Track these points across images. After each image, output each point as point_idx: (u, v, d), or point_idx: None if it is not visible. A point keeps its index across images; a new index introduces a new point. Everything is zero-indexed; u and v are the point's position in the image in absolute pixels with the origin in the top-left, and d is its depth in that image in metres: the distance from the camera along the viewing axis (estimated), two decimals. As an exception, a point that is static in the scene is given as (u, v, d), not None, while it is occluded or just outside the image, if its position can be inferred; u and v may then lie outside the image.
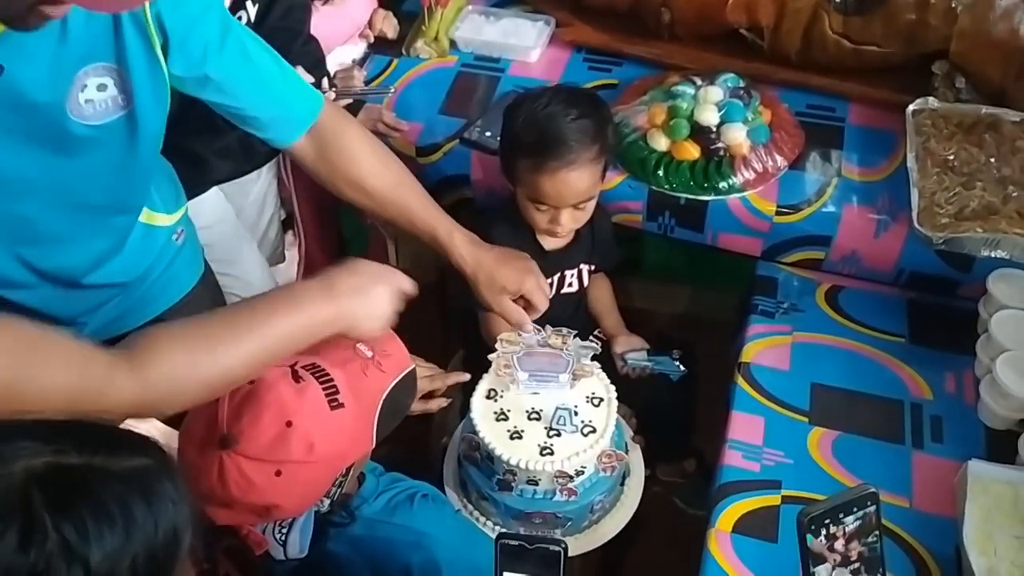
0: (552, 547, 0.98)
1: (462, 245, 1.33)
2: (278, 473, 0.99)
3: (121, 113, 1.08)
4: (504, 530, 1.38)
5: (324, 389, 1.05)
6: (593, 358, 1.33)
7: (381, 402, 1.11)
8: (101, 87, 1.04)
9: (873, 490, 0.96)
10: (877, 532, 0.98)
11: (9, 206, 1.06)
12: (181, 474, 0.76)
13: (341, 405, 1.05)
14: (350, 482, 1.15)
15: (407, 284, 1.13)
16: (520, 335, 1.31)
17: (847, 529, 0.96)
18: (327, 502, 1.12)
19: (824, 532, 0.95)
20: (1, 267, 1.12)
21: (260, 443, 0.99)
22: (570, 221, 1.46)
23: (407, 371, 1.16)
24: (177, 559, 0.72)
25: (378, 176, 1.30)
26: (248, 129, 1.25)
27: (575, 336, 1.31)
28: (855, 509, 0.96)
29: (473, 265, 1.33)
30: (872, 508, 0.96)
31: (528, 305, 1.34)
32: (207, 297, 1.46)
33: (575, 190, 1.42)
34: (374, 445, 1.13)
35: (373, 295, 1.08)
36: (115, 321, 1.32)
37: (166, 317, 1.38)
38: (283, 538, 1.09)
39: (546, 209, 1.45)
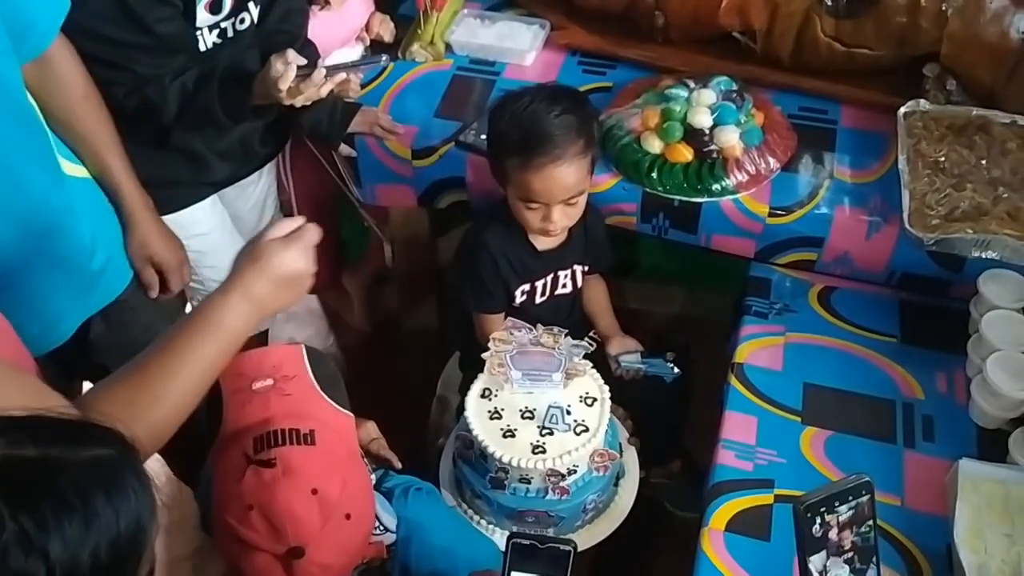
0: (562, 547, 0.99)
1: (136, 191, 1.41)
2: (348, 517, 1.01)
3: None
4: (496, 528, 1.39)
5: (292, 445, 1.03)
6: (585, 357, 1.34)
7: (319, 389, 1.11)
8: None
9: (867, 479, 0.98)
10: (871, 522, 0.99)
11: None
12: (142, 464, 0.75)
13: (311, 433, 1.04)
14: None
15: (313, 235, 1.07)
16: (512, 334, 1.32)
17: (841, 518, 0.97)
18: (374, 476, 1.15)
19: (819, 520, 0.96)
20: None
21: (314, 526, 0.99)
22: (562, 218, 1.47)
23: (303, 352, 1.15)
24: (142, 550, 0.71)
25: (85, 110, 1.34)
26: None
27: (566, 335, 1.32)
28: (850, 498, 0.97)
29: (135, 211, 1.40)
30: (866, 497, 0.98)
31: (165, 283, 1.45)
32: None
33: (563, 185, 1.42)
34: (352, 416, 1.14)
35: (287, 277, 1.03)
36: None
37: (129, 297, 1.41)
38: (381, 528, 1.12)
39: (537, 207, 1.45)
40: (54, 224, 1.24)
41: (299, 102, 1.41)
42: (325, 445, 1.04)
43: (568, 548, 0.99)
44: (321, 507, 0.99)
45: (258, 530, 0.98)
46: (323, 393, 1.11)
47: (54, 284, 1.27)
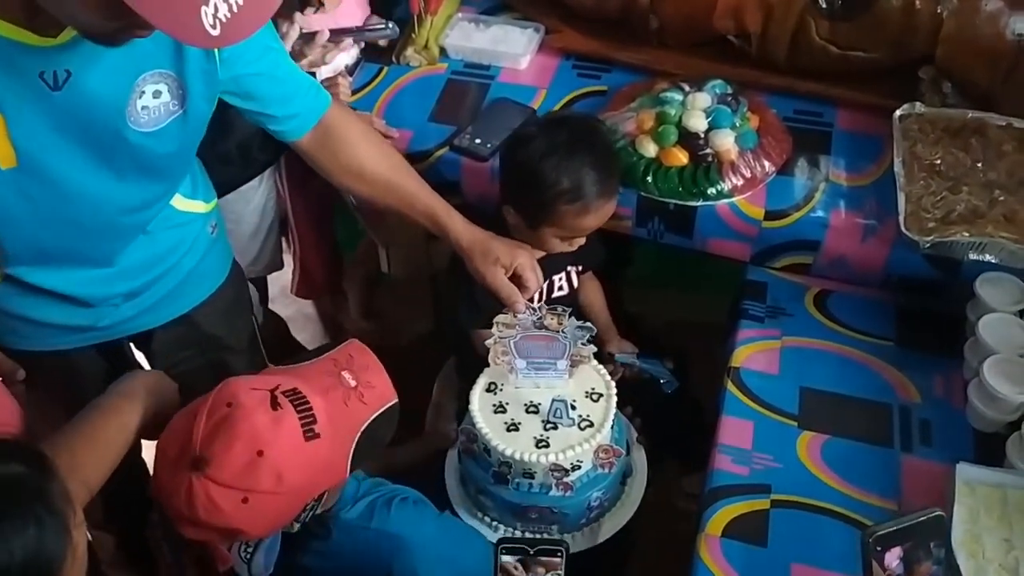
0: (554, 548, 0.98)
1: (460, 222, 1.38)
2: (245, 500, 0.99)
3: (172, 118, 1.10)
4: (499, 524, 1.38)
5: (301, 419, 1.04)
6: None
7: (359, 434, 1.11)
8: (156, 94, 1.07)
9: (939, 513, 0.97)
10: (941, 558, 0.98)
11: (56, 209, 1.09)
12: (60, 494, 0.71)
13: (317, 436, 1.04)
14: (324, 504, 1.14)
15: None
16: (516, 316, 1.32)
17: (909, 552, 0.96)
18: (297, 525, 1.11)
19: (888, 551, 0.95)
20: (34, 250, 1.15)
21: (230, 470, 0.99)
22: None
23: (389, 404, 1.15)
24: None
25: (377, 163, 1.35)
26: (260, 124, 1.28)
27: (570, 315, 1.31)
28: (919, 532, 0.96)
29: (469, 239, 1.38)
30: (937, 531, 0.97)
31: (519, 284, 1.37)
32: (232, 295, 1.48)
33: (609, 214, 1.46)
34: (348, 475, 1.12)
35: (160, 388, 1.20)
36: (147, 312, 1.35)
37: (195, 314, 1.41)
38: (248, 557, 1.09)
39: (572, 237, 1.47)
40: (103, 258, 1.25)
41: (304, 67, 1.40)
42: (306, 458, 1.03)
43: (559, 550, 0.98)
44: (247, 467, 0.99)
45: (204, 425, 1.00)
46: (356, 441, 1.10)
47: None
